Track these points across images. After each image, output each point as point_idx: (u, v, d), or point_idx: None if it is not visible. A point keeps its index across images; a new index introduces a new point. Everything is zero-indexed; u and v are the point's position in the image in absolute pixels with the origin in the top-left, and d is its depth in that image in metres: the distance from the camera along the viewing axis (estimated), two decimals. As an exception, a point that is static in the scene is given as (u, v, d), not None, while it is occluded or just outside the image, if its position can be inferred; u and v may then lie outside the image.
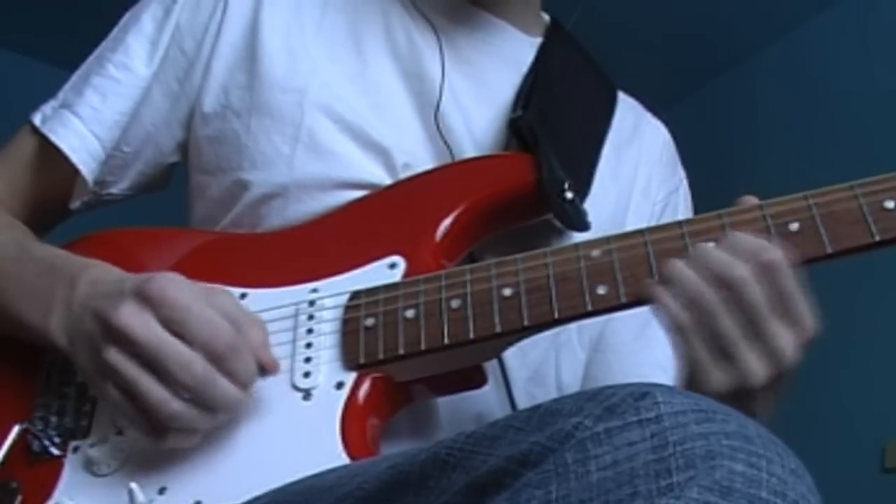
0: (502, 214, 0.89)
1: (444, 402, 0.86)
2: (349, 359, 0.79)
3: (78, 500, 0.78)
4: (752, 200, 0.76)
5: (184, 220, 1.00)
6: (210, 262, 0.89)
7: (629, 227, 0.84)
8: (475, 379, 0.83)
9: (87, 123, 0.95)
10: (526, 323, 0.76)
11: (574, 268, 0.76)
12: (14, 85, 2.97)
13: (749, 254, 0.71)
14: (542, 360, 0.93)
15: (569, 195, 0.87)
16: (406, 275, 0.82)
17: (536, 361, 0.93)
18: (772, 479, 0.49)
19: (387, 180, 0.90)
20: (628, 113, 1.06)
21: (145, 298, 0.73)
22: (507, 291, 0.77)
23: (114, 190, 0.99)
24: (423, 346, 0.77)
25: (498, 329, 0.76)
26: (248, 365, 0.75)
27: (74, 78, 0.99)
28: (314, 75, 0.93)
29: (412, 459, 0.58)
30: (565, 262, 0.77)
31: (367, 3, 0.98)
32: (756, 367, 0.70)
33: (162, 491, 0.76)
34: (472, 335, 0.77)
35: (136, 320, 0.73)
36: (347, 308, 0.81)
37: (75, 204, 0.98)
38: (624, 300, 0.75)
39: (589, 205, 0.91)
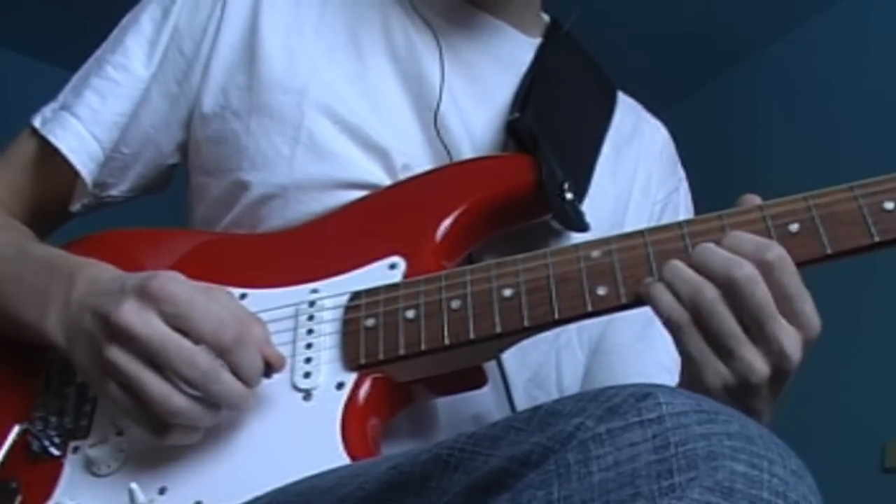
0: (502, 215, 0.89)
1: (443, 403, 0.86)
2: (349, 359, 0.79)
3: (78, 501, 0.78)
4: (754, 199, 0.76)
5: (184, 221, 1.00)
6: (209, 262, 0.89)
7: (628, 227, 0.84)
8: (475, 379, 0.83)
9: (86, 124, 0.95)
10: (526, 323, 0.76)
11: (574, 268, 0.76)
12: (14, 85, 2.98)
13: (751, 253, 0.71)
14: (542, 361, 0.93)
15: (568, 196, 0.87)
16: (406, 275, 0.82)
17: (537, 363, 0.93)
18: (773, 480, 0.49)
19: (386, 181, 0.90)
20: (628, 113, 1.06)
21: (147, 295, 0.73)
22: (508, 292, 0.77)
23: (114, 192, 0.99)
24: (423, 347, 0.77)
25: (498, 329, 0.76)
26: (255, 358, 0.75)
27: (74, 80, 0.99)
28: (314, 76, 0.93)
29: (413, 460, 0.58)
30: (565, 262, 0.77)
31: (366, 5, 0.98)
32: (759, 366, 0.69)
33: (162, 491, 0.76)
34: (472, 336, 0.76)
35: (139, 317, 0.73)
36: (348, 308, 0.81)
37: (75, 206, 0.98)
38: (624, 301, 0.75)
39: (587, 205, 0.91)
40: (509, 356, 0.86)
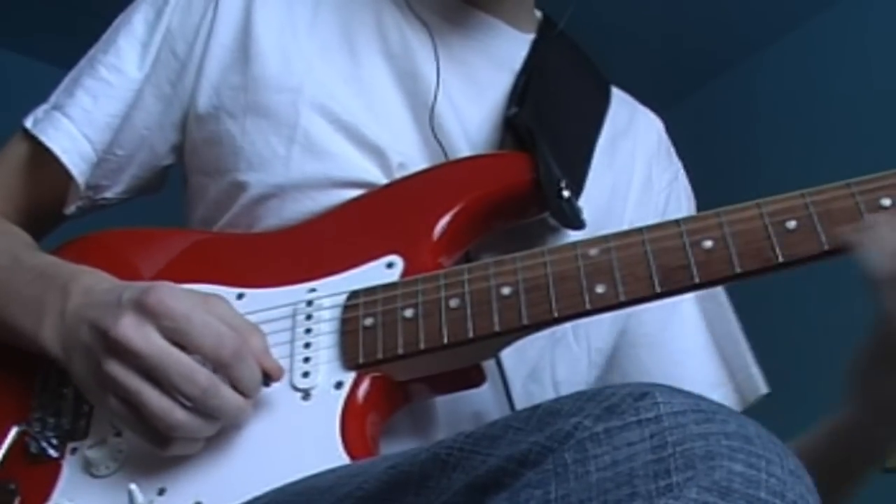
0: (499, 213, 0.88)
1: (442, 401, 0.86)
2: (348, 358, 0.79)
3: (77, 502, 0.78)
4: None
5: (180, 222, 0.99)
6: (206, 262, 0.89)
7: (633, 223, 0.84)
8: (474, 378, 0.83)
9: (78, 125, 0.94)
10: (525, 322, 0.76)
11: (572, 267, 0.76)
12: (14, 85, 2.97)
13: None
14: (538, 357, 0.93)
15: (565, 193, 0.87)
16: (404, 274, 0.82)
17: (534, 359, 0.93)
18: (771, 480, 0.49)
19: (383, 180, 0.90)
20: (622, 107, 1.06)
21: (145, 310, 0.73)
22: (506, 290, 0.77)
23: (108, 194, 0.99)
24: (422, 346, 0.77)
25: (497, 328, 0.76)
26: (254, 371, 0.75)
27: (66, 80, 0.98)
28: (308, 75, 0.92)
29: (412, 459, 0.58)
30: (564, 261, 0.77)
31: (360, 3, 0.98)
32: None
33: (161, 492, 0.76)
34: (471, 334, 0.76)
35: (137, 333, 0.73)
36: (346, 308, 0.81)
37: (70, 209, 0.98)
38: (623, 299, 0.75)
39: (583, 200, 0.91)
40: (507, 353, 0.86)
